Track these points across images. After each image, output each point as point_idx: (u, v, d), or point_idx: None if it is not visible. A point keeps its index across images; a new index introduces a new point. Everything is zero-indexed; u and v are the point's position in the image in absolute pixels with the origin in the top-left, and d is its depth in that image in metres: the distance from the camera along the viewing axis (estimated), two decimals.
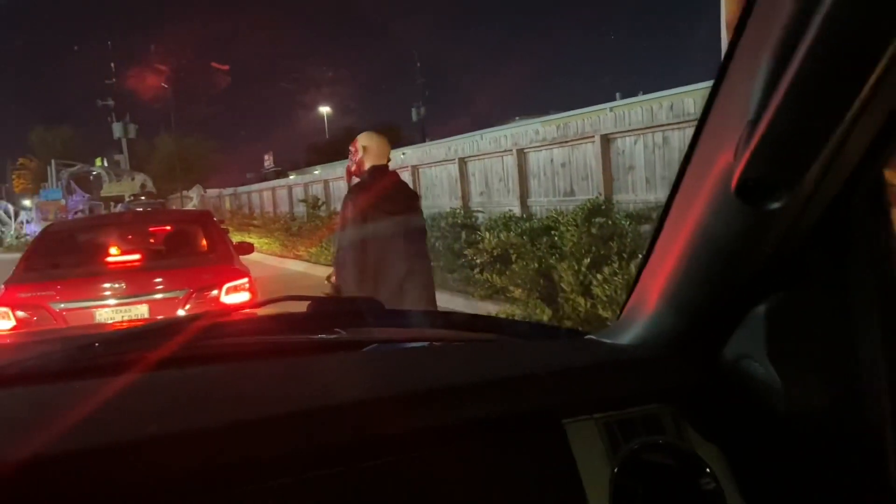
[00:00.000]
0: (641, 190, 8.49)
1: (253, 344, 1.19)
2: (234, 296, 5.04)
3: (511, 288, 6.27)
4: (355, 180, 3.77)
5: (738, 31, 0.75)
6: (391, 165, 3.81)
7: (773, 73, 0.67)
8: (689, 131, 7.72)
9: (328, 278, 3.79)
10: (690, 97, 8.29)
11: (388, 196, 3.68)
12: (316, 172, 26.01)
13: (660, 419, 0.96)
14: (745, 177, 0.74)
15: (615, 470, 0.91)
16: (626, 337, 1.07)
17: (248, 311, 1.19)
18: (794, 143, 0.71)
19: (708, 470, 0.92)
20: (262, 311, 1.22)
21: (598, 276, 5.14)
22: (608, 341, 1.12)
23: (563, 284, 5.56)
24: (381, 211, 3.62)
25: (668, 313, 1.00)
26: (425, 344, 1.25)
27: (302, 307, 1.26)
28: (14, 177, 54.14)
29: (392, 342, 1.28)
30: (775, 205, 0.75)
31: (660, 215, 0.98)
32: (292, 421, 0.83)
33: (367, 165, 3.69)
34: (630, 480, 0.90)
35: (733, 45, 0.77)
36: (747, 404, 0.91)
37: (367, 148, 3.70)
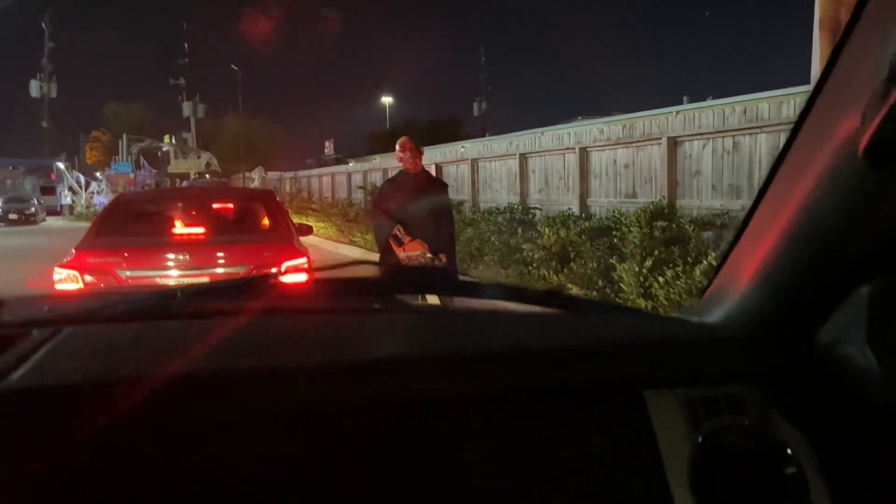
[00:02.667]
0: (707, 196, 8.25)
1: (324, 302, 1.21)
2: (292, 275, 5.11)
3: (568, 286, 6.18)
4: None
5: None
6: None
7: None
8: (763, 137, 7.46)
9: (435, 257, 4.73)
10: (766, 103, 7.98)
11: None
12: (375, 161, 26.22)
13: (744, 400, 0.93)
14: (876, 138, 0.70)
15: (695, 447, 0.88)
16: (712, 316, 1.04)
17: (320, 273, 1.20)
18: None
19: (791, 455, 0.89)
20: (334, 275, 1.23)
21: (660, 279, 5.01)
22: (692, 319, 1.09)
23: (622, 285, 5.45)
24: None
25: (760, 292, 0.96)
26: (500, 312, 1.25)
27: (374, 274, 1.26)
28: (87, 149, 56.34)
29: (465, 311, 1.28)
30: None
31: (757, 193, 0.95)
32: (371, 368, 0.86)
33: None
34: (710, 459, 0.88)
35: (860, 7, 0.74)
36: (839, 390, 0.88)
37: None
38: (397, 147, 5.04)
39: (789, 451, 0.89)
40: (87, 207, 31.39)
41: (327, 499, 0.79)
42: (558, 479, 0.85)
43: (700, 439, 0.89)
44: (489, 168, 13.28)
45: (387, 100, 54.75)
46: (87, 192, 34.43)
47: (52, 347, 0.87)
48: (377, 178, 18.64)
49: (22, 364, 0.79)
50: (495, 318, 1.18)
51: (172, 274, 5.05)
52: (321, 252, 13.29)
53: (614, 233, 7.05)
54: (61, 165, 36.86)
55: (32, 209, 31.33)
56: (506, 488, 0.83)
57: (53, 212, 34.50)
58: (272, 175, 33.10)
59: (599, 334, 1.04)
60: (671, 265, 5.26)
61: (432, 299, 2.50)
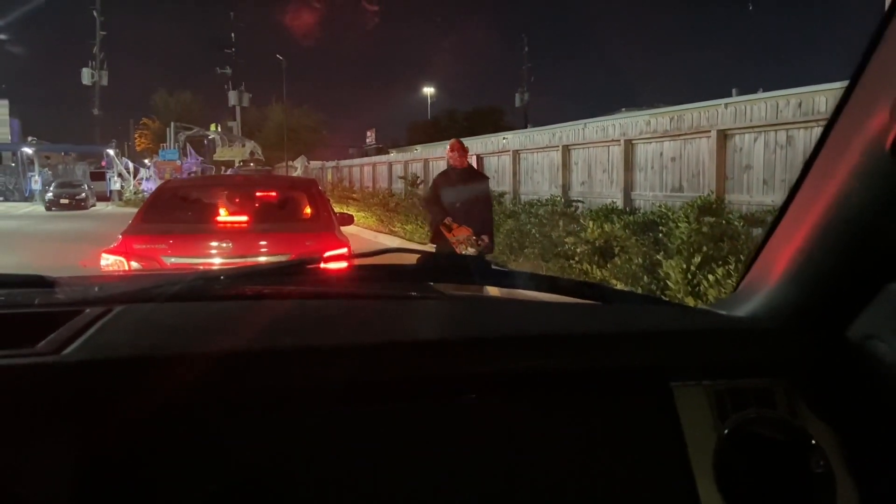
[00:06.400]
0: (757, 191, 8.01)
1: (361, 288, 1.23)
2: (333, 264, 5.10)
3: (612, 281, 6.06)
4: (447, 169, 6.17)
5: None
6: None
7: None
8: (819, 131, 7.18)
9: (479, 238, 5.60)
10: (823, 96, 7.69)
11: None
12: (416, 151, 26.22)
13: (772, 393, 0.93)
14: None
15: (721, 439, 0.88)
16: (743, 309, 1.04)
17: (358, 259, 1.26)
18: None
19: (819, 449, 0.88)
20: (372, 261, 1.25)
21: (710, 277, 4.85)
22: (723, 312, 1.08)
23: (668, 282, 5.30)
24: None
25: (792, 286, 0.96)
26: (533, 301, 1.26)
27: (412, 260, 1.26)
28: (136, 136, 57.63)
29: (498, 299, 1.30)
30: None
31: (791, 187, 0.95)
32: (405, 350, 0.88)
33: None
34: (736, 451, 0.88)
35: (893, 7, 0.75)
36: (869, 386, 0.88)
37: None
38: (447, 147, 6.05)
39: (817, 444, 0.89)
40: (136, 193, 32.08)
41: (369, 470, 0.80)
42: (584, 465, 0.86)
43: (727, 431, 0.89)
44: (531, 160, 13.14)
45: (428, 90, 54.70)
46: (136, 179, 35.19)
47: (104, 324, 0.89)
48: (418, 169, 18.64)
49: (76, 339, 0.82)
50: (527, 306, 1.19)
51: (215, 261, 5.09)
52: (361, 241, 13.35)
53: (660, 227, 6.88)
54: (111, 152, 37.70)
55: (83, 194, 32.13)
56: (533, 470, 0.84)
57: (103, 197, 35.36)
58: (314, 164, 33.38)
59: (627, 323, 1.04)
60: (721, 262, 5.10)
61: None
